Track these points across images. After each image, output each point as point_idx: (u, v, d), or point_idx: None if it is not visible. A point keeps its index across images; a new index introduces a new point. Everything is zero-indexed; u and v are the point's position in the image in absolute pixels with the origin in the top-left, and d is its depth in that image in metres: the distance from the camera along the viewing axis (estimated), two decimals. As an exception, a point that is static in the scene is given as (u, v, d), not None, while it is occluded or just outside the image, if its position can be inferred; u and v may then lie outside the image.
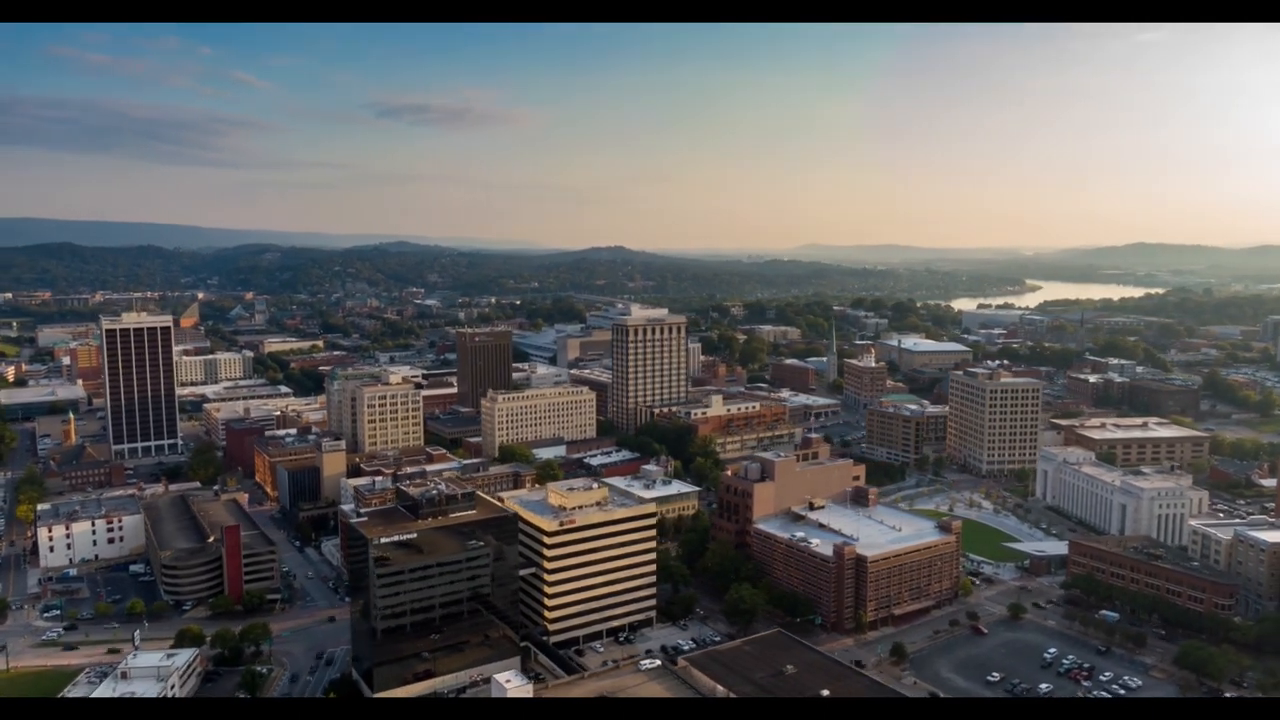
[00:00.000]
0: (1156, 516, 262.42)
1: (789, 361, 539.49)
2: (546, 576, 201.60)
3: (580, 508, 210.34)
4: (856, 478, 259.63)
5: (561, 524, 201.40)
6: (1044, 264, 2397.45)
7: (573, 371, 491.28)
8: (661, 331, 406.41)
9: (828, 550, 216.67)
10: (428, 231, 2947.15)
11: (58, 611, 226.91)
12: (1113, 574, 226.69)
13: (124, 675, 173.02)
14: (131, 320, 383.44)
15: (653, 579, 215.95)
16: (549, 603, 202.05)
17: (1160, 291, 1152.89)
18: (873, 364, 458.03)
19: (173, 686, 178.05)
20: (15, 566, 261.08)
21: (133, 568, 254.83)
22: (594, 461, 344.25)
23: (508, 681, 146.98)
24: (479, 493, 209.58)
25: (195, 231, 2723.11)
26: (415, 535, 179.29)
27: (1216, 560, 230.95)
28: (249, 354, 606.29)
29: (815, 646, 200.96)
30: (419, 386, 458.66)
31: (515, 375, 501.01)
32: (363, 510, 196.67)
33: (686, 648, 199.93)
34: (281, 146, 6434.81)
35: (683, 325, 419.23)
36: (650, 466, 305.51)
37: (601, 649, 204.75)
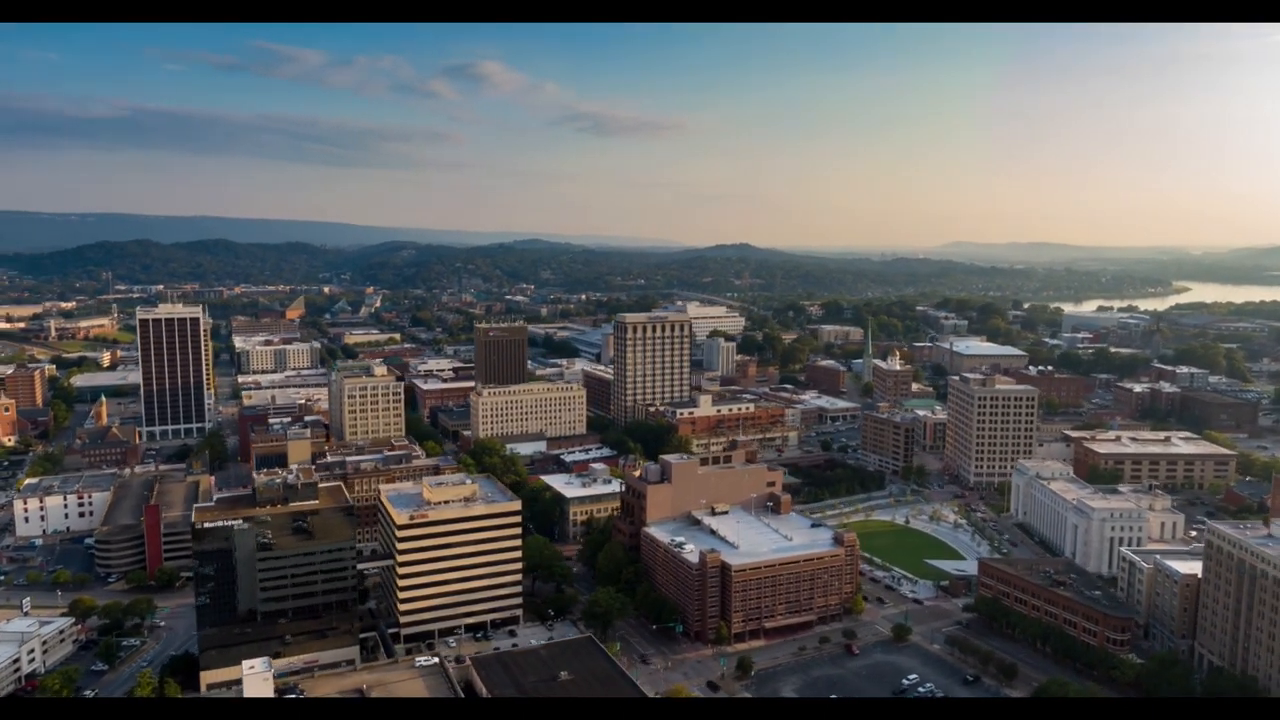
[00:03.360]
0: (1108, 539, 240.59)
1: (823, 363, 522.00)
2: (398, 569, 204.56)
3: (446, 502, 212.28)
4: (771, 484, 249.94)
5: (412, 517, 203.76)
6: (1208, 264, 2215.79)
7: (587, 368, 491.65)
8: (662, 330, 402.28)
9: (697, 557, 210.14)
10: (567, 230, 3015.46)
11: (1, 577, 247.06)
12: (1016, 599, 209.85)
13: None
14: (165, 311, 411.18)
15: (517, 577, 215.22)
16: (400, 595, 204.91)
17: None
18: (898, 366, 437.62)
19: (31, 651, 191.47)
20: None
21: (87, 541, 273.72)
22: (570, 458, 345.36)
23: (251, 666, 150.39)
24: (342, 484, 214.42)
25: (347, 229, 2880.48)
26: (240, 522, 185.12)
27: (1139, 591, 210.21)
28: (317, 345, 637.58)
29: (676, 655, 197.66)
30: (449, 378, 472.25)
31: (549, 370, 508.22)
32: (216, 497, 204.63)
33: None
34: (449, 152, 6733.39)
35: (685, 323, 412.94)
36: (598, 466, 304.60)
37: (454, 644, 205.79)
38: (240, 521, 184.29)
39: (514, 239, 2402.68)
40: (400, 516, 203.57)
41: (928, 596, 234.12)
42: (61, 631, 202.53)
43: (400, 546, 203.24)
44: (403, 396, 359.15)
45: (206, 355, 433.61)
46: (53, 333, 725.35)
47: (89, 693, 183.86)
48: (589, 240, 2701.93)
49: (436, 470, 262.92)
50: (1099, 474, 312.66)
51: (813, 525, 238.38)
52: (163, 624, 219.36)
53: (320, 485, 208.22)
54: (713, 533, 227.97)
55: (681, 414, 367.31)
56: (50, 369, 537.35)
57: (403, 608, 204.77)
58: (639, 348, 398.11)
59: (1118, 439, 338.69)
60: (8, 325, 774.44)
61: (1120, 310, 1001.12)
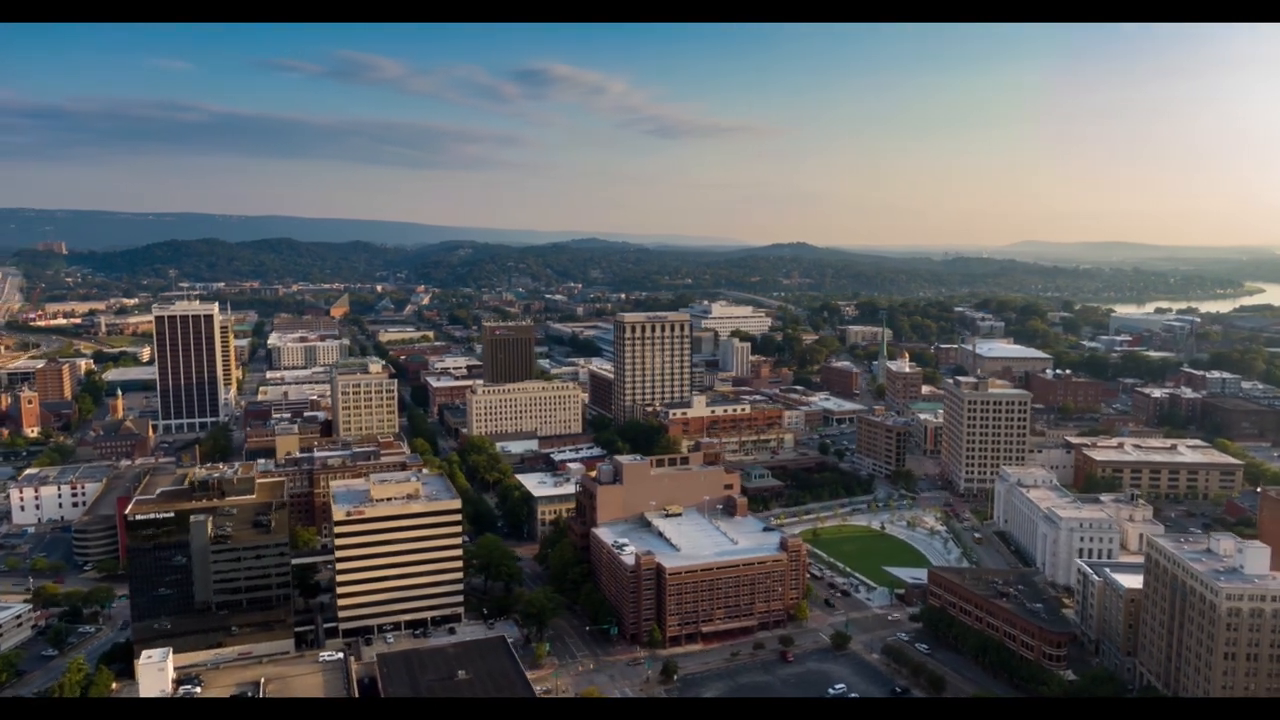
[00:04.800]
0: (1076, 549, 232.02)
1: (838, 364, 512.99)
2: (337, 564, 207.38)
3: (389, 499, 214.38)
4: (729, 486, 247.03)
5: (349, 514, 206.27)
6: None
7: (594, 367, 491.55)
8: (662, 329, 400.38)
9: (634, 559, 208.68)
10: (627, 229, 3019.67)
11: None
12: (962, 610, 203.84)
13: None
14: (180, 308, 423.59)
15: (458, 575, 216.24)
16: (338, 590, 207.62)
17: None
18: (907, 369, 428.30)
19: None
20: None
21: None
22: (559, 457, 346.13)
23: (149, 657, 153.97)
24: (293, 480, 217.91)
25: (411, 228, 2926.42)
26: (173, 514, 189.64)
27: (1093, 605, 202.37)
28: (346, 342, 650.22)
29: (607, 656, 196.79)
30: (462, 376, 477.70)
31: (565, 369, 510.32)
32: (159, 490, 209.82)
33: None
34: (517, 153, 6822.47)
35: (685, 323, 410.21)
36: (575, 465, 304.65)
37: (391, 639, 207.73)
38: (169, 514, 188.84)
39: (571, 238, 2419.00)
40: (338, 512, 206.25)
41: (882, 604, 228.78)
42: (19, 617, 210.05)
43: (338, 542, 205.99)
44: (396, 394, 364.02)
45: (222, 351, 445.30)
46: (102, 329, 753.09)
47: (30, 675, 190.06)
48: (647, 239, 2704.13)
49: (404, 468, 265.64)
50: (1095, 482, 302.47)
51: (765, 529, 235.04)
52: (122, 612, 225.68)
53: (261, 481, 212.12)
54: (660, 535, 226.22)
55: (674, 414, 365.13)
56: (88, 363, 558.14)
57: (341, 602, 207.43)
58: (638, 347, 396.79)
59: (1119, 446, 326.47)
60: (64, 321, 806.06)
61: (1179, 312, 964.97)
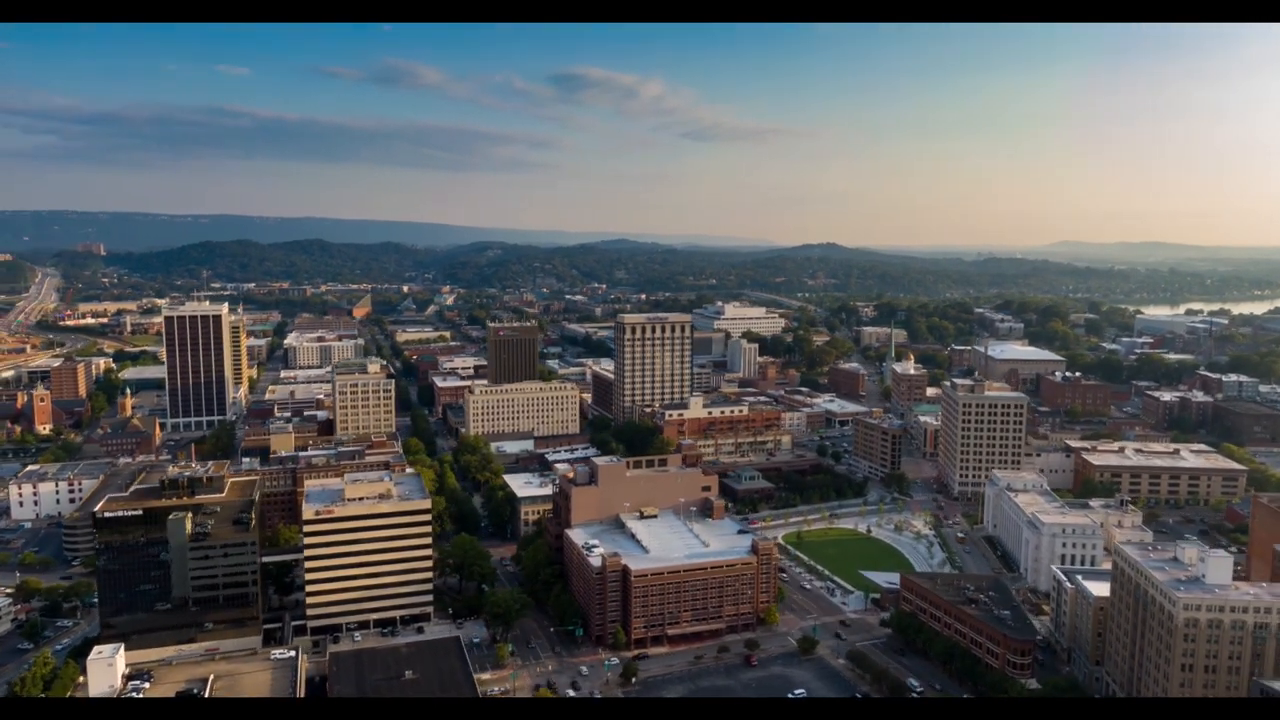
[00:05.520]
0: (1058, 555, 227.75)
1: (845, 366, 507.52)
2: (306, 562, 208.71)
3: (361, 499, 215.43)
4: (706, 488, 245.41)
5: (317, 513, 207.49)
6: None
7: (598, 368, 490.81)
8: (662, 330, 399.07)
9: (600, 560, 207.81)
10: (657, 230, 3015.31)
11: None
12: (932, 616, 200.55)
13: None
14: (189, 309, 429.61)
15: (427, 575, 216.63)
16: (307, 588, 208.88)
17: None
18: (911, 371, 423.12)
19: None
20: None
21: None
22: (554, 457, 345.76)
23: (99, 653, 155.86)
24: (268, 479, 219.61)
25: (443, 229, 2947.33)
26: (140, 512, 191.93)
27: (1065, 611, 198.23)
28: (361, 342, 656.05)
29: (570, 658, 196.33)
30: (468, 376, 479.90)
31: (572, 370, 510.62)
32: (133, 488, 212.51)
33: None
34: (551, 156, 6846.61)
35: (685, 324, 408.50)
36: (562, 466, 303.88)
37: (359, 638, 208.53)
38: (140, 511, 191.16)
39: (601, 239, 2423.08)
40: (308, 511, 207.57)
41: (857, 609, 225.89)
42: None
43: (307, 541, 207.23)
44: (394, 394, 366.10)
45: (232, 350, 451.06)
46: (127, 328, 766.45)
47: (4, 668, 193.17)
48: (676, 240, 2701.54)
49: (387, 468, 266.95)
50: (1093, 487, 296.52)
51: (739, 532, 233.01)
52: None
53: (234, 480, 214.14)
54: (632, 536, 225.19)
55: (670, 415, 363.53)
56: (107, 362, 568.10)
57: (309, 600, 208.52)
58: (638, 348, 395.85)
59: (1120, 450, 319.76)
60: (92, 320, 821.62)
61: (1210, 313, 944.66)
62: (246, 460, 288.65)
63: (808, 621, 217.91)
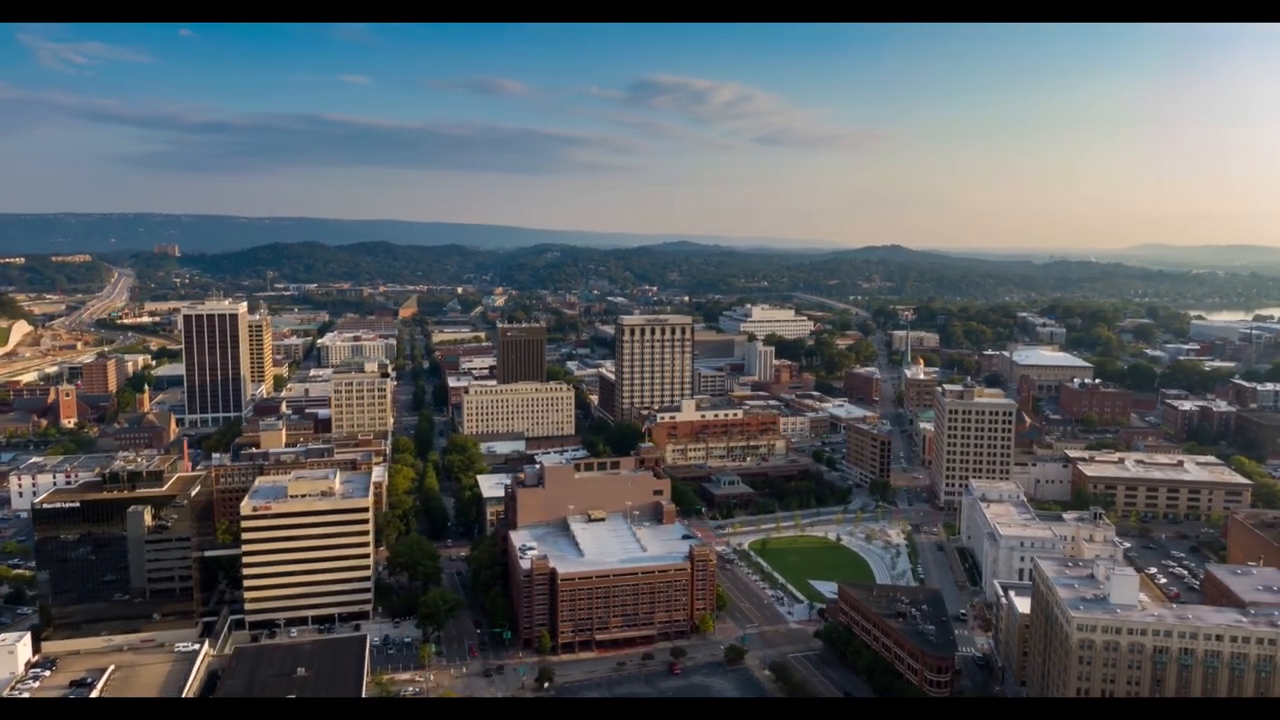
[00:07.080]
0: (1016, 569, 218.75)
1: (860, 370, 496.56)
2: (243, 558, 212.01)
3: (302, 496, 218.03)
4: (658, 492, 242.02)
5: (255, 509, 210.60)
6: None
7: (604, 370, 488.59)
8: (662, 332, 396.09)
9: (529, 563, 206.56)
10: (720, 232, 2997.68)
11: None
12: (863, 628, 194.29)
13: None
14: (207, 307, 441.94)
15: (366, 573, 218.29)
16: (245, 583, 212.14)
17: None
18: (921, 375, 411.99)
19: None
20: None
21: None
22: (543, 458, 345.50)
23: (2, 641, 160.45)
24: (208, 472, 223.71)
25: (508, 231, 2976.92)
26: (78, 505, 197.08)
27: (1002, 628, 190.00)
28: (393, 342, 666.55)
29: (494, 661, 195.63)
30: (481, 375, 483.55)
31: (588, 371, 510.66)
32: (81, 480, 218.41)
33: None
34: (623, 159, 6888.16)
35: (686, 326, 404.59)
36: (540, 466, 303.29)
37: (295, 634, 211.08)
38: (78, 504, 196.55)
39: (663, 241, 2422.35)
40: (245, 507, 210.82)
41: (801, 619, 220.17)
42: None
43: (245, 536, 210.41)
44: (389, 393, 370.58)
45: (253, 348, 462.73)
46: (178, 326, 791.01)
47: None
48: (739, 242, 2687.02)
49: (354, 465, 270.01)
50: (1086, 498, 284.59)
51: (684, 537, 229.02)
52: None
53: (182, 476, 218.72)
54: (573, 539, 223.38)
55: (662, 418, 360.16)
56: (146, 359, 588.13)
57: (247, 595, 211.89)
58: (638, 350, 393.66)
59: (1120, 461, 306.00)
60: (147, 319, 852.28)
61: (1258, 317, 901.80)
62: (217, 457, 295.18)
63: (749, 630, 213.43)
